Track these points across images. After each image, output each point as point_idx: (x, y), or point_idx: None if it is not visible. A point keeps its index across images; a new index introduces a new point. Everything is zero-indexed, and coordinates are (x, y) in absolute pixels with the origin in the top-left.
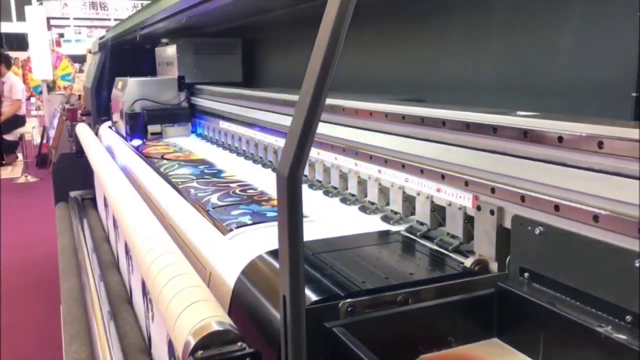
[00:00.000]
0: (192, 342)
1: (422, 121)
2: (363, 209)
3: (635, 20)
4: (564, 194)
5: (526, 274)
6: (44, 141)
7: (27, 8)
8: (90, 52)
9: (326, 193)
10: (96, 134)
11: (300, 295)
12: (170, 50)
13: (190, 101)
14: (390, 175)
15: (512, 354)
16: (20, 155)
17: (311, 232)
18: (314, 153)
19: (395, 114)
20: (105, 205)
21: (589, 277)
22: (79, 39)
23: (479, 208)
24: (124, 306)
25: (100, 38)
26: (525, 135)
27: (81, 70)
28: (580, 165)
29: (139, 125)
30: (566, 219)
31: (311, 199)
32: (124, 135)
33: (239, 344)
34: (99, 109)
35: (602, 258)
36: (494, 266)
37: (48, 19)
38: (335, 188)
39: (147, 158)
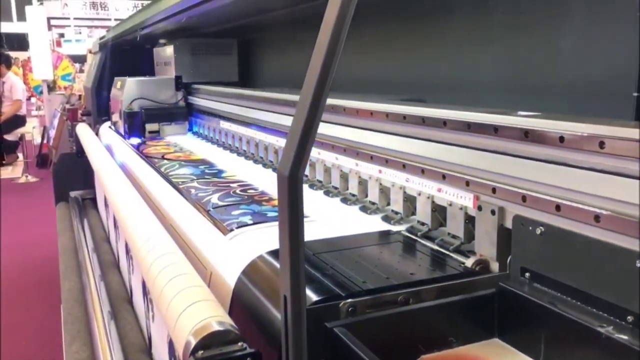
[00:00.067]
0: (193, 342)
1: (423, 121)
2: (364, 209)
3: (636, 20)
4: (565, 194)
5: (527, 274)
6: (45, 141)
7: (27, 8)
8: (90, 52)
9: (327, 193)
10: (96, 134)
11: (301, 295)
12: (168, 51)
13: (187, 100)
14: (391, 175)
15: (513, 354)
16: (20, 155)
17: (312, 232)
18: (315, 153)
19: (396, 114)
20: (106, 205)
21: (590, 277)
22: (79, 39)
23: (479, 208)
24: (125, 306)
25: (101, 38)
26: (527, 135)
27: (81, 70)
28: (581, 165)
29: (137, 124)
30: (567, 219)
31: (312, 199)
32: (123, 133)
33: (239, 344)
34: (100, 109)
35: (603, 258)
36: (495, 266)
37: (48, 19)
38: (336, 188)
39: (148, 158)
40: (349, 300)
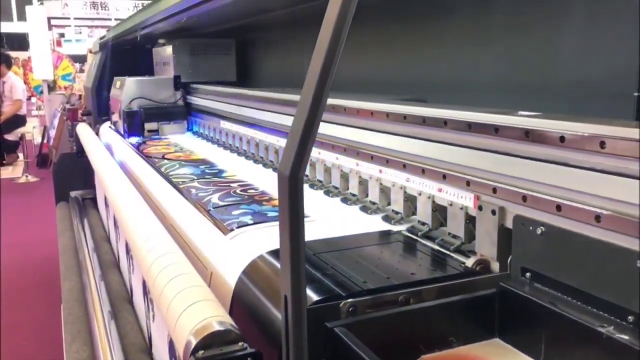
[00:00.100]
0: (193, 342)
1: (424, 121)
2: (364, 208)
3: (636, 20)
4: (565, 193)
5: (528, 274)
6: (45, 141)
7: (27, 8)
8: (90, 52)
9: (327, 193)
10: (97, 133)
11: (301, 295)
12: (167, 51)
13: (186, 100)
14: (391, 175)
15: (513, 354)
16: (21, 155)
17: (312, 232)
18: (315, 153)
19: (397, 113)
20: (106, 205)
21: (590, 277)
22: (79, 38)
23: (480, 208)
24: (125, 306)
25: (101, 38)
26: (527, 135)
27: (82, 70)
28: (582, 165)
29: (136, 123)
30: (568, 219)
31: (312, 199)
32: (122, 132)
33: (240, 343)
34: (100, 108)
35: (604, 258)
36: (495, 266)
37: (49, 18)
38: (336, 188)
39: (148, 158)
40: (350, 300)
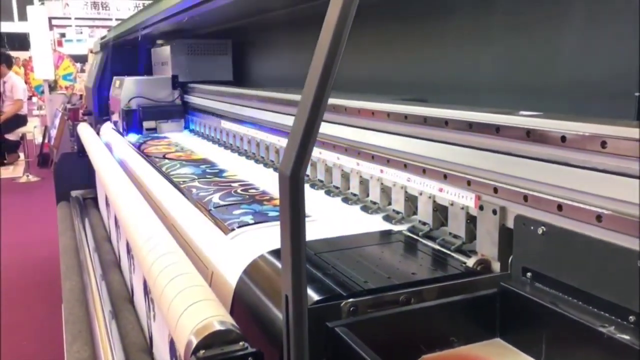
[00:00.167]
0: (194, 342)
1: (425, 121)
2: (365, 208)
3: (637, 20)
4: (566, 193)
5: (529, 274)
6: (46, 141)
7: (28, 8)
8: (91, 51)
9: (328, 193)
10: (98, 133)
11: (302, 295)
12: (165, 51)
13: (183, 99)
14: (392, 174)
15: (514, 354)
16: (21, 155)
17: (313, 231)
18: (316, 153)
19: (398, 113)
20: (107, 204)
21: (592, 277)
22: (80, 38)
23: (481, 208)
24: (126, 306)
25: (102, 38)
26: (528, 135)
27: (83, 70)
28: (583, 165)
29: (134, 121)
30: (569, 218)
31: (313, 199)
32: (121, 130)
33: (240, 343)
34: (101, 108)
35: (605, 258)
36: (496, 266)
37: (50, 18)
38: (337, 188)
39: (149, 157)
40: (351, 300)
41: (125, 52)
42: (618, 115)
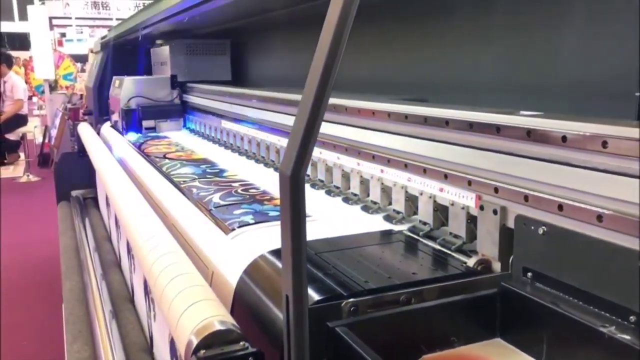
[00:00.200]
0: (195, 342)
1: (425, 121)
2: (365, 208)
3: (637, 19)
4: (567, 193)
5: (529, 274)
6: (46, 140)
7: (29, 8)
8: (92, 51)
9: (328, 192)
10: (98, 133)
11: (303, 295)
12: (164, 51)
13: (182, 98)
14: (392, 174)
15: (515, 354)
16: (22, 155)
17: (313, 231)
18: (316, 152)
19: (398, 113)
20: (107, 204)
21: (592, 277)
22: (80, 38)
23: (482, 208)
24: (126, 305)
25: (102, 38)
26: (529, 134)
27: (83, 70)
28: (584, 165)
29: (134, 121)
30: (570, 218)
31: (313, 199)
32: (121, 130)
33: (241, 343)
34: (101, 108)
35: (606, 258)
36: (497, 266)
37: (50, 18)
38: (338, 187)
39: (149, 157)
40: (351, 299)
41: (126, 52)
42: (619, 115)
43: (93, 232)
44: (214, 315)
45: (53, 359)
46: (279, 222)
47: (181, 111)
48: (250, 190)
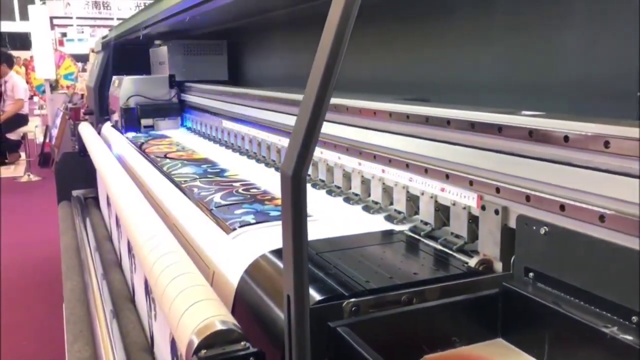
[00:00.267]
0: (196, 341)
1: (427, 120)
2: (366, 208)
3: (638, 19)
4: (569, 193)
5: (531, 274)
6: (47, 140)
7: (30, 7)
8: (93, 51)
9: (329, 192)
10: (99, 132)
11: (304, 295)
12: (162, 51)
13: (180, 97)
14: (394, 174)
15: (516, 354)
16: (23, 154)
17: (314, 231)
18: (317, 152)
19: (400, 113)
20: (108, 204)
21: (594, 278)
22: (81, 38)
23: (483, 208)
24: (127, 305)
25: (103, 37)
26: (531, 134)
27: (84, 70)
28: (586, 165)
29: (133, 119)
30: (572, 218)
31: (314, 199)
32: (120, 128)
33: (242, 343)
34: (102, 107)
35: (608, 258)
36: (498, 266)
37: (51, 18)
38: (339, 187)
39: (150, 157)
40: (352, 299)
41: (127, 52)
42: (620, 115)
43: (94, 232)
44: (215, 315)
45: (54, 359)
46: (279, 222)
47: (179, 110)
48: (251, 190)
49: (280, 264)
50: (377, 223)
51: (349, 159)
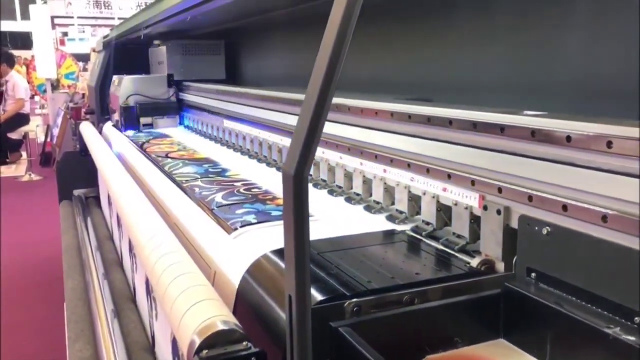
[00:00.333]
0: (197, 342)
1: (429, 120)
2: (368, 208)
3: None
4: (571, 193)
5: (533, 274)
6: (48, 140)
7: (31, 7)
8: (94, 50)
9: (331, 192)
10: (100, 132)
11: (306, 295)
12: (161, 51)
13: (178, 96)
14: (395, 174)
15: (518, 354)
16: (24, 154)
17: (316, 231)
18: (319, 152)
19: (401, 113)
20: (109, 203)
21: (596, 278)
22: (82, 37)
23: (485, 208)
24: (128, 304)
25: (104, 37)
26: (533, 134)
27: (85, 69)
28: (588, 165)
29: (132, 117)
30: (574, 219)
31: (316, 198)
32: (120, 126)
33: (244, 343)
34: (103, 107)
35: (610, 259)
36: (500, 266)
37: (52, 17)
38: (340, 187)
39: (151, 156)
40: (354, 299)
41: (128, 51)
42: (622, 115)
43: (95, 231)
44: (217, 315)
45: (55, 358)
46: (281, 222)
47: (177, 108)
48: (253, 190)
49: (282, 264)
50: (379, 223)
51: (351, 159)
